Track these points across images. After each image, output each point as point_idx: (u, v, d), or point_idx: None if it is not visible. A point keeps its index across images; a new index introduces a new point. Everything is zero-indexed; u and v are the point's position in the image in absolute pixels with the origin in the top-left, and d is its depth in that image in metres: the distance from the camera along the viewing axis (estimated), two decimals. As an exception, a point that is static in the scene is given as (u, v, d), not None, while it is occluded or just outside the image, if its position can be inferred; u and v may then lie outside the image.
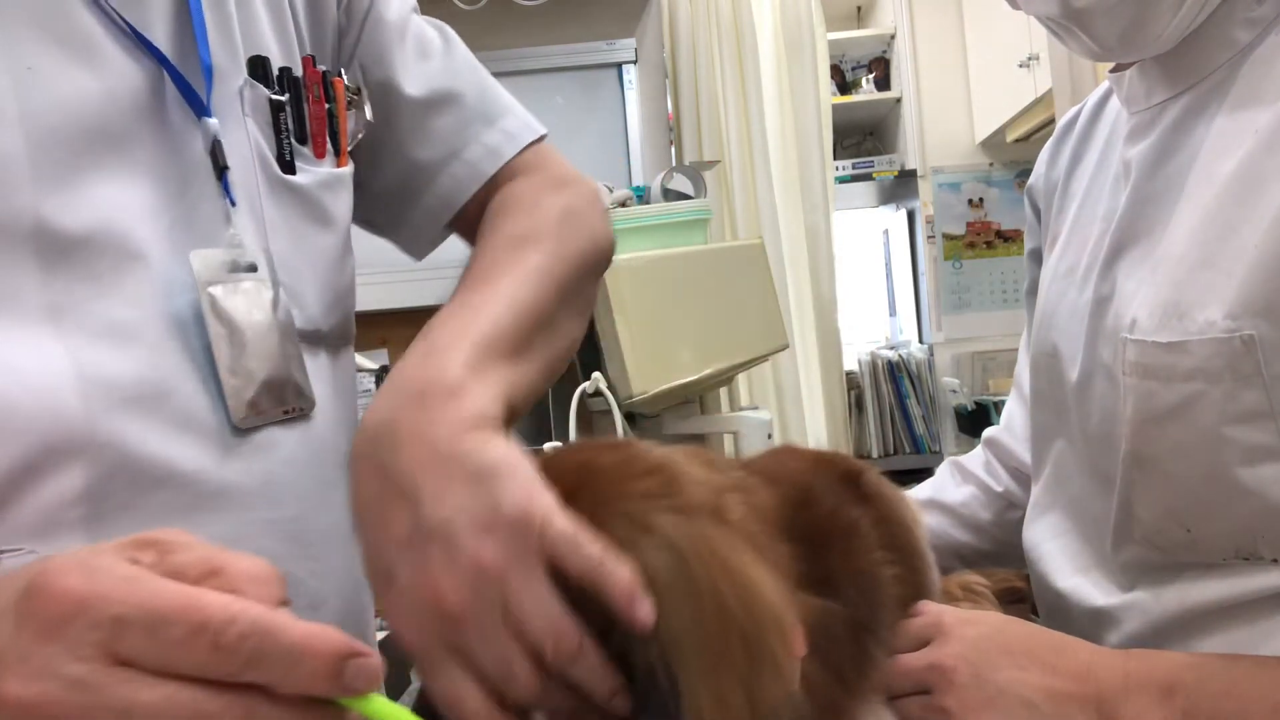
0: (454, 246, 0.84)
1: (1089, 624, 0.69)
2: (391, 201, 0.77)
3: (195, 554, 0.35)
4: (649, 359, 2.12)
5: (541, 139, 0.78)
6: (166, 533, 0.36)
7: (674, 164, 3.00)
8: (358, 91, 0.72)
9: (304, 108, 0.66)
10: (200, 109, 0.58)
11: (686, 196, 2.03)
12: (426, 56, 0.76)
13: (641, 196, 2.07)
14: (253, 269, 0.59)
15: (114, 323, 0.52)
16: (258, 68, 0.63)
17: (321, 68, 0.68)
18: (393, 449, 0.45)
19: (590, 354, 2.47)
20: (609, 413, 2.12)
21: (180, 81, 0.57)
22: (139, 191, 0.55)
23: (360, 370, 2.04)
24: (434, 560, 0.41)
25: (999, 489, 0.93)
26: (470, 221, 0.76)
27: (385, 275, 2.55)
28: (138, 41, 0.55)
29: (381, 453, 0.46)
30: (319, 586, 0.62)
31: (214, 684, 0.32)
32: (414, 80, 0.74)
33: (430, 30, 0.77)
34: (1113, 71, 0.74)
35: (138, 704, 0.31)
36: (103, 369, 0.51)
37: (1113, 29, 0.64)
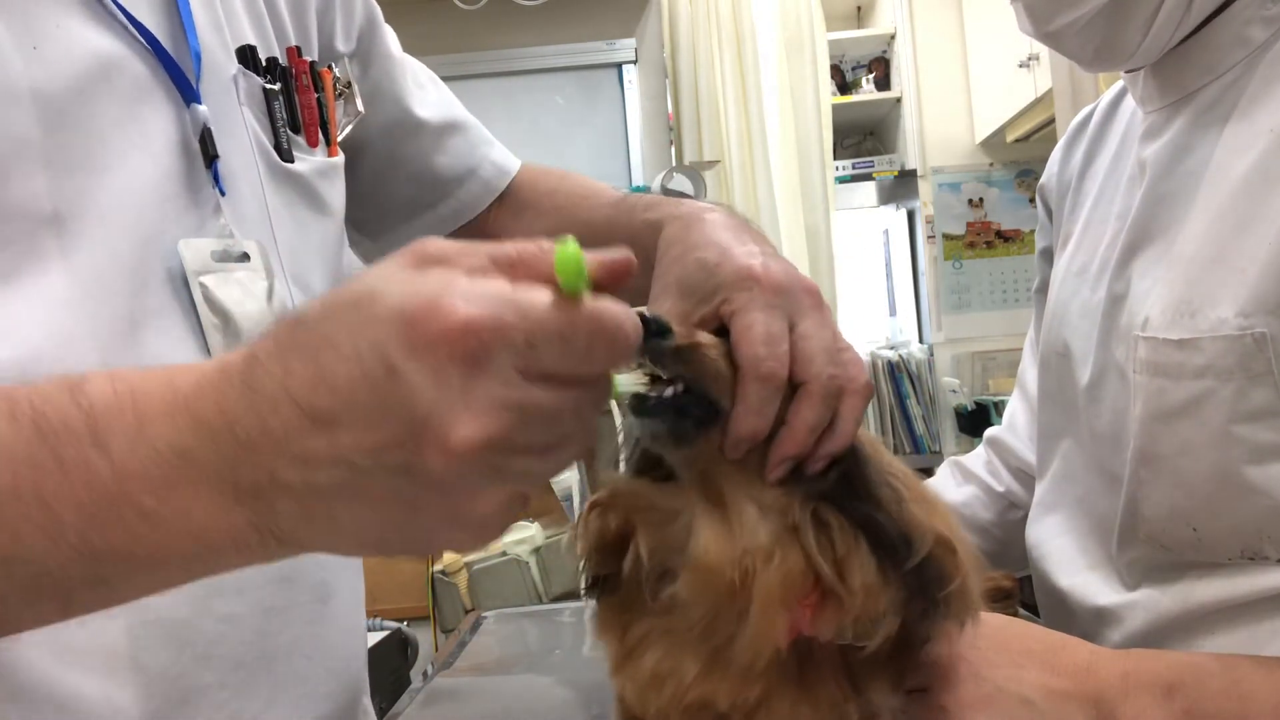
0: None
1: (1092, 622, 0.69)
2: (396, 210, 0.83)
3: (482, 254, 0.35)
4: (649, 359, 2.12)
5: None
6: (428, 245, 0.35)
7: (674, 164, 3.01)
8: (348, 85, 0.74)
9: (294, 97, 0.67)
10: (190, 95, 0.58)
11: (687, 196, 2.03)
12: (422, 86, 0.82)
13: (642, 196, 2.07)
14: (244, 258, 0.59)
15: (130, 310, 0.53)
16: (246, 57, 0.63)
17: (308, 58, 0.69)
18: None
19: (590, 354, 2.47)
20: (609, 413, 2.12)
21: (172, 67, 0.57)
22: (141, 179, 0.55)
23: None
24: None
25: (1000, 489, 0.93)
26: (463, 233, 0.82)
27: (385, 275, 2.54)
28: (131, 27, 0.55)
29: None
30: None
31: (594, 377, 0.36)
32: (423, 106, 0.81)
33: (418, 63, 0.84)
34: (1126, 71, 0.73)
35: (547, 404, 0.33)
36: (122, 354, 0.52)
37: (1085, 48, 0.67)
